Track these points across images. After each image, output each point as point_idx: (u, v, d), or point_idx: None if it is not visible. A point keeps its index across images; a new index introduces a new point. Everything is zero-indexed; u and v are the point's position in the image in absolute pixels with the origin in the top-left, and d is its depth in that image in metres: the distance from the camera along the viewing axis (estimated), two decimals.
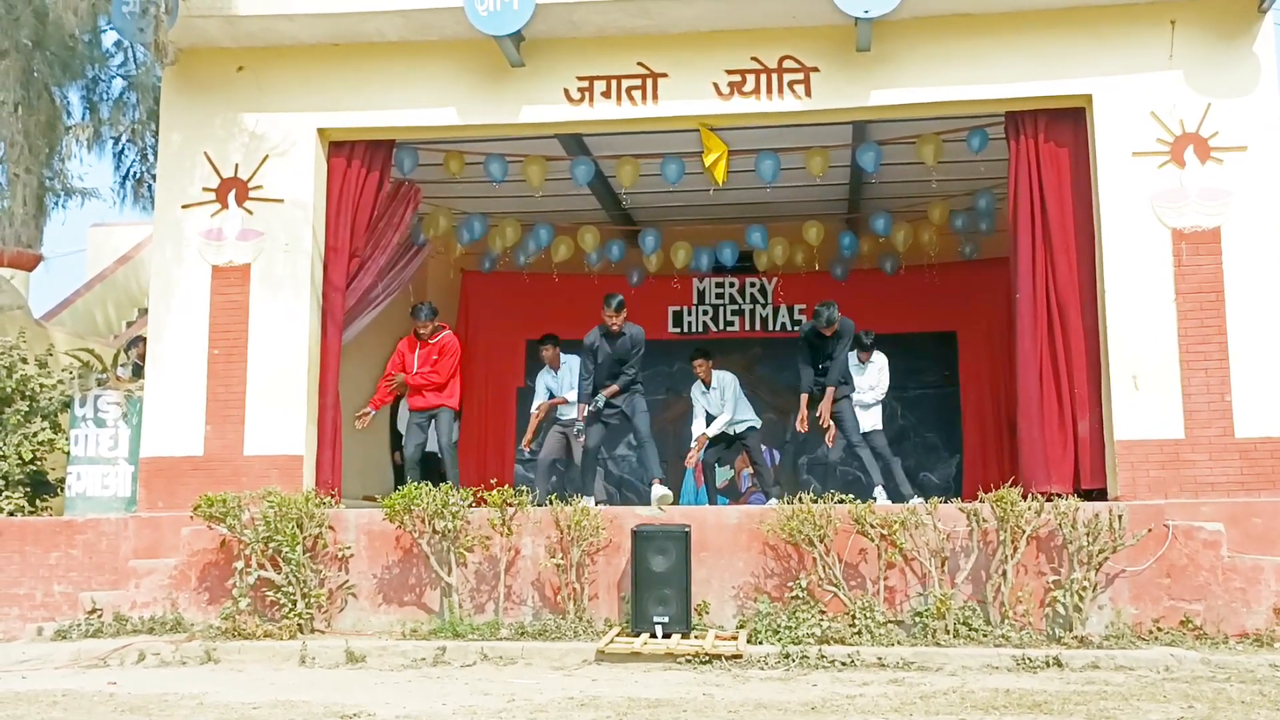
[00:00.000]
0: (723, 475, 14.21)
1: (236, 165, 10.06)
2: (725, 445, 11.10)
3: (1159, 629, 8.02)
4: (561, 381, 11.25)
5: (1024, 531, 8.19)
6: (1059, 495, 8.51)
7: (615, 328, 9.82)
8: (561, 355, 11.35)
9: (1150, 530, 8.18)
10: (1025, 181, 9.61)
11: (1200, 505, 8.58)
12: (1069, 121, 9.62)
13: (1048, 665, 7.37)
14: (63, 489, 10.21)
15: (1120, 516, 8.12)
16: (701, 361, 10.94)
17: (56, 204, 15.35)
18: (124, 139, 15.26)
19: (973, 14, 9.47)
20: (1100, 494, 9.06)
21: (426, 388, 10.20)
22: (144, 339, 10.75)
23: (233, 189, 10.03)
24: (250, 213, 10.00)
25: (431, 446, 13.22)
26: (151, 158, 14.58)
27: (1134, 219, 9.21)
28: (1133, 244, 9.19)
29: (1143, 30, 9.36)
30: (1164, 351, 9.03)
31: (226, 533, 8.85)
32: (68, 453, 10.14)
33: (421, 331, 10.28)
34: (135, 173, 15.39)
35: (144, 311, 14.08)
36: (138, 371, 10.98)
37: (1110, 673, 7.20)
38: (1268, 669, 7.06)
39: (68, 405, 10.36)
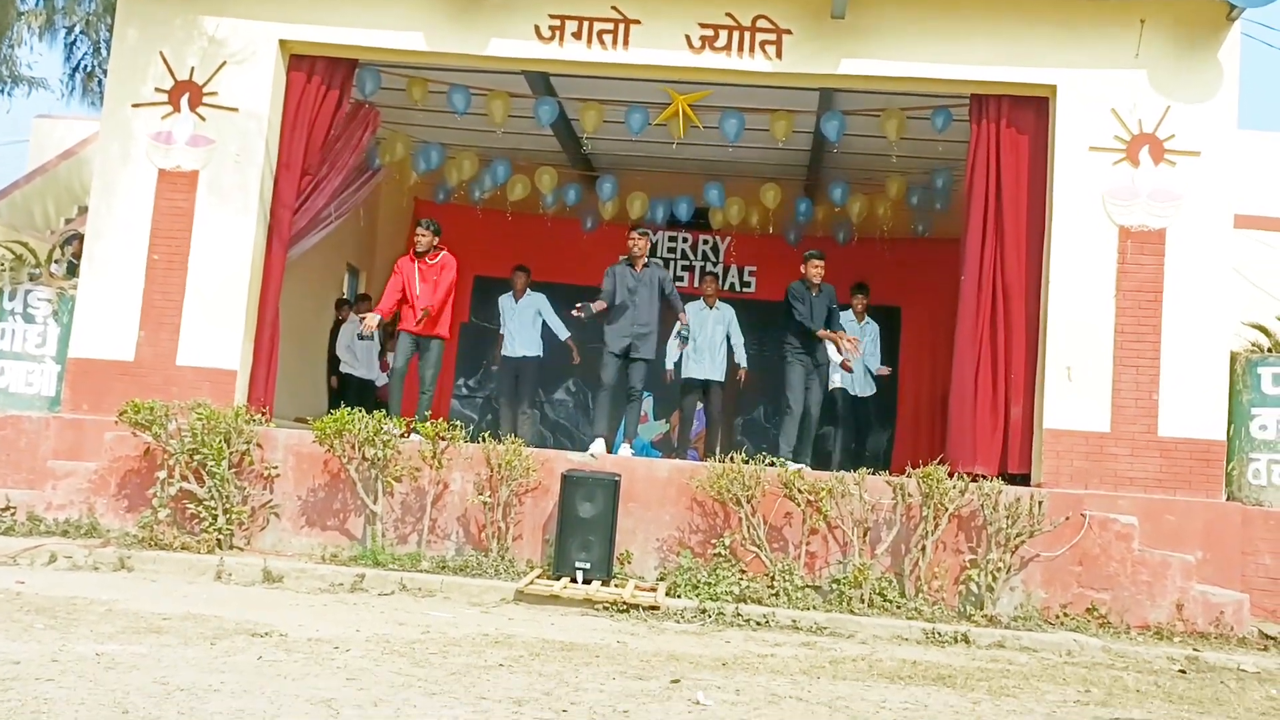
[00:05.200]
0: (657, 429, 14.29)
1: (192, 69, 9.82)
2: (701, 390, 11.25)
3: (1066, 614, 8.22)
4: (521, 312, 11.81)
5: (947, 509, 8.33)
6: (983, 476, 8.66)
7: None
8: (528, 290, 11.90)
9: (1068, 518, 8.36)
10: (984, 165, 9.69)
11: (1118, 498, 8.80)
12: (1032, 110, 9.68)
13: (956, 641, 7.53)
14: None
15: (1040, 503, 8.29)
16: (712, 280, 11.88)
17: (1, 90, 14.92)
18: (77, 30, 14.81)
19: None
20: (1024, 479, 9.23)
21: (428, 311, 9.79)
22: (81, 236, 10.49)
23: (186, 92, 9.80)
24: (203, 119, 9.77)
25: (369, 374, 13.23)
26: (104, 52, 14.18)
27: (1084, 213, 9.33)
28: (1080, 237, 9.31)
29: (1112, 26, 9.43)
30: (1099, 346, 9.19)
31: (151, 441, 8.73)
32: None
33: (420, 247, 9.92)
34: (86, 66, 14.97)
35: (84, 209, 13.71)
36: (72, 270, 10.72)
37: (1015, 652, 7.38)
38: (1165, 661, 7.28)
39: None
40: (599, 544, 8.13)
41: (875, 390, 11.79)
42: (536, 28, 9.76)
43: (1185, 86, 9.36)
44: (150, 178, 9.75)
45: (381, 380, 13.22)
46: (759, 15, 9.65)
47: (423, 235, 9.96)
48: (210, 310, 9.58)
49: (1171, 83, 9.36)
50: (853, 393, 11.58)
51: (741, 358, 11.31)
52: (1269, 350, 9.53)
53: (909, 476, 8.48)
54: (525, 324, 11.78)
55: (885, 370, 11.85)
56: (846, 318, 11.23)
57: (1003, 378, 9.52)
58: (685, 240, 15.12)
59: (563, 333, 11.79)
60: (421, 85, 11.30)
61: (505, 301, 11.94)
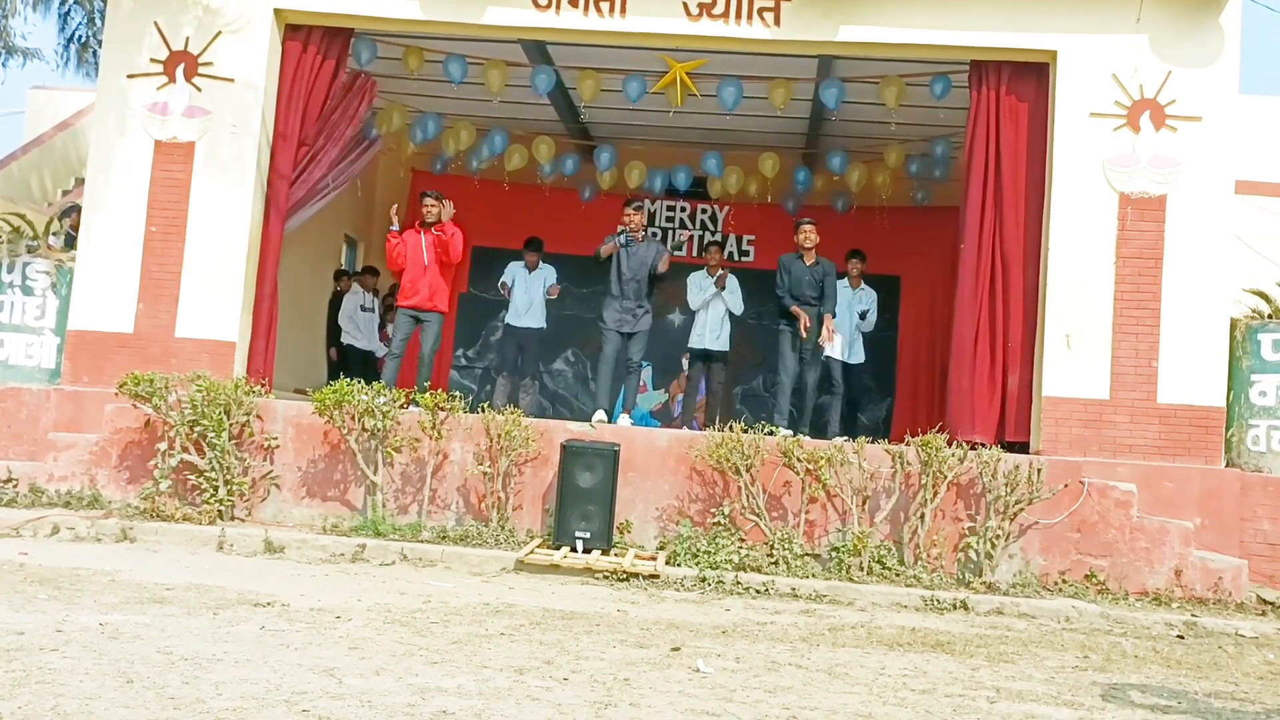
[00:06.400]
0: (656, 399, 14.29)
1: (187, 39, 9.76)
2: (704, 360, 11.21)
3: (1064, 581, 8.25)
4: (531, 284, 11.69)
5: (945, 477, 8.35)
6: (982, 445, 8.68)
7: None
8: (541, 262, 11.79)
9: (1066, 485, 8.38)
10: (983, 132, 9.64)
11: (1117, 465, 8.82)
12: (1032, 76, 9.63)
13: (954, 608, 7.57)
14: None
15: (1039, 470, 8.30)
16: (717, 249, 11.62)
17: None
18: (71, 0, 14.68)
19: None
20: (1023, 447, 9.25)
21: (431, 283, 9.87)
22: (79, 209, 10.46)
23: (182, 63, 9.74)
24: (199, 89, 9.72)
25: (370, 346, 13.22)
26: (99, 22, 14.06)
27: (1084, 180, 9.29)
28: (1080, 204, 9.28)
29: None
30: (1099, 313, 9.18)
31: (151, 413, 8.74)
32: None
33: (430, 218, 9.88)
34: (81, 36, 14.83)
35: (81, 181, 13.66)
36: (70, 242, 10.70)
37: (1013, 619, 7.42)
38: (1163, 627, 7.32)
39: None
40: (599, 513, 8.16)
41: (866, 357, 11.58)
42: None
43: (1187, 51, 9.29)
44: (147, 149, 9.71)
45: (382, 351, 13.21)
46: None
47: (433, 206, 9.92)
48: (208, 282, 9.57)
49: (1173, 47, 9.30)
50: (837, 357, 11.18)
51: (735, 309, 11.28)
52: (1269, 316, 9.51)
53: (908, 445, 8.49)
54: (534, 295, 11.75)
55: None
56: (841, 285, 11.08)
57: (1001, 346, 9.52)
58: (684, 210, 15.07)
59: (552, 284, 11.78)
60: (418, 55, 11.23)
61: (518, 270, 11.84)
